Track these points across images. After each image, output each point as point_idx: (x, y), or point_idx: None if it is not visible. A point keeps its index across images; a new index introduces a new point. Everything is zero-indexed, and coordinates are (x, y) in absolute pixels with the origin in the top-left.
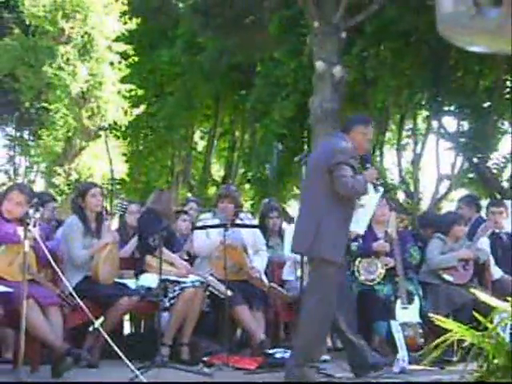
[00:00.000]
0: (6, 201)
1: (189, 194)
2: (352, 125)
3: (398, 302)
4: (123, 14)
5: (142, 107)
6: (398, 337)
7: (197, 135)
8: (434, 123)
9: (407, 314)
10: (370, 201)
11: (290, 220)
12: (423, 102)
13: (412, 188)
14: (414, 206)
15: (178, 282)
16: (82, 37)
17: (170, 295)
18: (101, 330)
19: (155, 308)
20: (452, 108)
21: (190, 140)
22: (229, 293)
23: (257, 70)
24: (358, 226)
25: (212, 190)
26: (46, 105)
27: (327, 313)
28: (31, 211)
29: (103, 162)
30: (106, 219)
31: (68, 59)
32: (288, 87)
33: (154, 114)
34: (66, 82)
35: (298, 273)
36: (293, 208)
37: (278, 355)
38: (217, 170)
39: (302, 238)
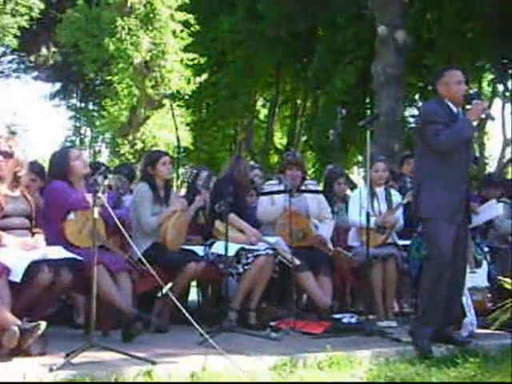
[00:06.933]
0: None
1: (251, 162)
2: (439, 74)
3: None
4: None
5: (205, 76)
6: (467, 301)
7: (259, 103)
8: (500, 87)
9: (475, 278)
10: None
11: (353, 186)
12: (487, 66)
13: (477, 153)
14: (480, 170)
15: (251, 250)
16: (145, 6)
17: (244, 261)
18: (170, 295)
19: (222, 274)
20: None
21: (252, 108)
22: (297, 262)
23: (318, 37)
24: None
25: (274, 159)
26: (109, 77)
27: (435, 271)
28: (100, 178)
29: (167, 131)
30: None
31: (130, 30)
32: (350, 53)
33: (217, 82)
34: (128, 53)
35: (363, 238)
36: (355, 174)
37: (344, 320)
38: (279, 138)
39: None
